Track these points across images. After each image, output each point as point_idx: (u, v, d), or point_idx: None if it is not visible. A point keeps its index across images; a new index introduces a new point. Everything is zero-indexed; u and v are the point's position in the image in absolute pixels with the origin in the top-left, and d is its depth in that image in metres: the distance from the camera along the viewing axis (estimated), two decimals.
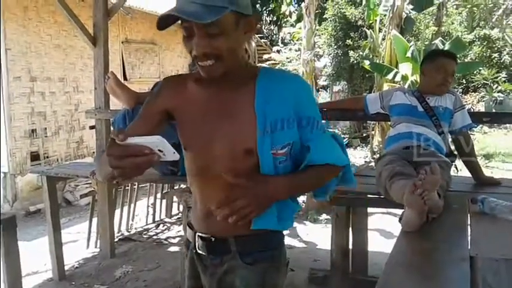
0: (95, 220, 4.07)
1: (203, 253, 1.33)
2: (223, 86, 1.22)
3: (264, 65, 11.06)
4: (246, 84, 1.23)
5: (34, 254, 3.89)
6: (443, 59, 2.53)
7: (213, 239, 1.29)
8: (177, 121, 1.29)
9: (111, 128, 3.40)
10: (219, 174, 1.21)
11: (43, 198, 3.52)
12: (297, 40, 11.70)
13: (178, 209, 5.06)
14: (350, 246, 2.78)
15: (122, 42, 7.33)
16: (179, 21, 1.08)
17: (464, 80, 13.74)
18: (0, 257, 2.58)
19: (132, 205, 4.67)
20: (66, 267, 3.55)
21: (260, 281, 1.27)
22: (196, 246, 1.34)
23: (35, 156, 5.84)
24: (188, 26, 1.10)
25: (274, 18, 18.00)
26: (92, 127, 3.91)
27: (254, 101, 1.20)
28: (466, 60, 12.39)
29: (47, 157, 6.00)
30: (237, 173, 1.20)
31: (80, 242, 4.29)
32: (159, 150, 0.91)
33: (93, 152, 5.96)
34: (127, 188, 4.67)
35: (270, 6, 17.12)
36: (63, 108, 6.25)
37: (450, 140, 2.53)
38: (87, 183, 5.88)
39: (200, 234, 1.32)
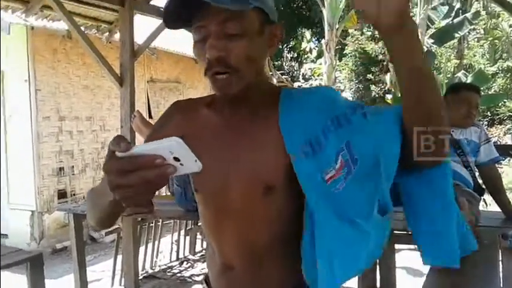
0: (119, 257, 4.08)
1: None
2: (240, 110, 0.98)
3: None
4: (267, 106, 0.98)
5: None
6: (466, 92, 2.52)
7: None
8: None
9: None
10: (239, 220, 0.98)
11: (69, 235, 3.56)
12: (318, 75, 11.82)
13: (202, 246, 5.05)
14: (378, 284, 2.72)
15: (147, 82, 7.53)
16: (189, 25, 0.91)
17: (489, 113, 13.55)
18: None
19: (156, 242, 4.68)
20: None
21: None
22: None
23: (62, 194, 5.94)
24: (203, 25, 0.89)
25: (295, 55, 18.26)
26: None
27: (278, 123, 0.95)
28: (489, 92, 12.27)
29: (74, 195, 6.10)
30: (256, 223, 0.97)
31: (105, 280, 4.29)
32: (175, 159, 0.65)
33: None
34: (151, 225, 4.69)
35: (291, 43, 17.42)
36: (90, 146, 6.40)
37: (477, 173, 2.49)
38: None
39: None
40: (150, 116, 7.40)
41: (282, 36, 0.98)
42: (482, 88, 8.85)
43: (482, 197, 2.40)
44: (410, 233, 2.11)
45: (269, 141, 0.95)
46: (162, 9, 0.91)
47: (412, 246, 4.54)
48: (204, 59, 0.90)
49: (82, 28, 3.81)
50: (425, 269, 1.69)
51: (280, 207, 0.96)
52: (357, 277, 2.65)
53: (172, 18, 0.90)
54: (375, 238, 0.92)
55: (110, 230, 5.82)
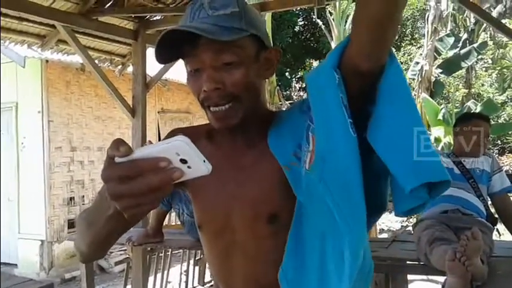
0: (128, 287, 4.05)
1: None
2: (237, 140, 0.95)
3: None
4: (261, 133, 0.94)
5: None
6: (477, 121, 2.53)
7: None
8: (189, 190, 1.01)
9: None
10: (245, 256, 0.94)
11: (79, 265, 3.56)
12: None
13: (211, 276, 4.98)
14: None
15: (158, 112, 7.63)
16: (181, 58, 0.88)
17: (499, 141, 13.48)
18: None
19: (165, 272, 4.64)
20: None
21: None
22: None
23: (71, 224, 5.95)
24: (196, 57, 0.86)
25: (303, 85, 18.41)
26: None
27: (268, 146, 0.91)
28: (499, 121, 12.24)
29: None
30: (264, 260, 0.93)
31: None
32: (182, 161, 0.57)
33: None
34: (160, 254, 4.66)
35: (299, 73, 17.60)
36: None
37: (489, 203, 2.47)
38: (121, 250, 5.91)
39: None
40: None
41: (278, 60, 0.94)
42: (491, 117, 8.84)
43: (495, 227, 2.37)
44: (422, 263, 2.10)
45: (266, 168, 0.91)
46: None
47: (425, 277, 4.47)
48: (199, 91, 0.87)
49: (96, 61, 3.90)
50: None
51: (286, 236, 0.90)
52: None
53: (163, 54, 0.88)
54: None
55: (119, 260, 5.81)
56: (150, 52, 4.08)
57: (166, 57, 0.89)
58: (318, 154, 0.81)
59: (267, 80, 0.99)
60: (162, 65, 3.94)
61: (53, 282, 2.77)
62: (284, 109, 1.08)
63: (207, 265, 4.79)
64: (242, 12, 0.86)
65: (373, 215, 0.82)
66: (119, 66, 4.41)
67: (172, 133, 1.02)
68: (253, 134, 0.94)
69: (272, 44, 0.98)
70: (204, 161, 0.58)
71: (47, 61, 5.59)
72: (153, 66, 4.22)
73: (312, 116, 0.84)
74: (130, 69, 4.13)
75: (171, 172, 0.55)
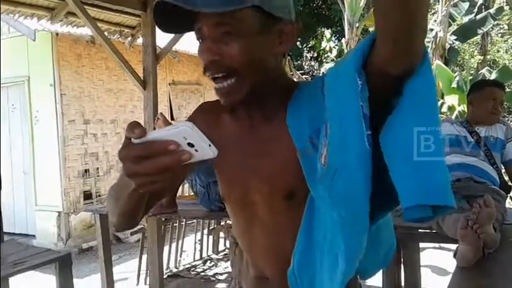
0: (144, 257, 4.14)
1: None
2: (255, 115, 0.93)
3: None
4: (280, 106, 0.91)
5: None
6: (491, 88, 2.49)
7: None
8: (214, 164, 1.00)
9: None
10: (266, 229, 0.95)
11: (96, 235, 3.63)
12: None
13: (225, 245, 5.08)
14: (402, 283, 2.70)
15: (169, 84, 7.62)
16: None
17: None
18: None
19: (180, 241, 4.73)
20: None
21: None
22: None
23: (87, 195, 6.06)
24: (198, 28, 0.84)
25: (315, 55, 18.19)
26: None
27: (287, 124, 0.89)
28: None
29: (99, 196, 6.21)
30: (282, 234, 0.93)
31: (130, 279, 4.36)
32: (189, 145, 0.62)
33: None
34: (175, 224, 4.74)
35: (310, 42, 17.36)
36: (115, 148, 6.50)
37: (503, 170, 2.45)
38: None
39: None
40: (172, 118, 7.48)
41: (295, 35, 0.89)
42: (507, 84, 8.66)
43: (508, 195, 2.36)
44: (434, 231, 2.10)
45: (283, 143, 0.88)
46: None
47: (436, 245, 4.50)
48: (203, 64, 0.86)
49: (105, 33, 3.88)
50: (450, 267, 1.68)
51: (299, 213, 0.89)
52: (381, 275, 2.64)
53: (169, 24, 0.86)
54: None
55: (134, 230, 5.92)
56: None
57: (174, 27, 0.88)
58: (332, 163, 0.77)
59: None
60: (171, 36, 3.92)
61: (70, 252, 2.84)
62: (306, 81, 1.03)
63: (220, 234, 4.88)
64: None
65: (386, 207, 0.81)
66: (129, 38, 4.39)
67: (201, 107, 1.04)
68: (272, 107, 0.91)
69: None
70: (210, 145, 0.63)
71: (57, 34, 5.58)
72: (163, 38, 4.19)
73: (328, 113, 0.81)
74: (140, 40, 4.11)
75: (180, 154, 0.60)
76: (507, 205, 2.25)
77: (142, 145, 0.61)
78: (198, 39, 0.87)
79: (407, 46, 0.68)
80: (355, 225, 0.76)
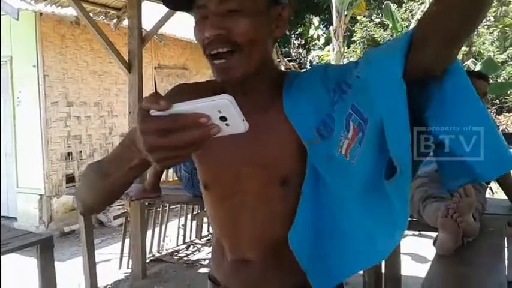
0: (127, 241, 4.13)
1: None
2: (247, 100, 0.86)
3: None
4: (273, 95, 0.93)
5: (68, 275, 3.97)
6: (474, 80, 2.51)
7: None
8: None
9: None
10: (256, 215, 0.95)
11: (78, 219, 3.61)
12: (326, 62, 11.76)
13: (208, 231, 5.09)
14: (383, 270, 2.74)
15: (155, 68, 7.53)
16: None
17: (497, 101, 13.46)
18: (38, 277, 2.65)
19: (163, 226, 4.73)
20: None
21: None
22: None
23: (70, 179, 6.00)
24: (203, 4, 0.84)
25: (303, 42, 18.16)
26: None
27: (284, 110, 0.91)
28: (498, 80, 12.17)
29: None
30: (272, 218, 0.95)
31: (112, 263, 4.35)
32: (221, 118, 0.59)
33: None
34: (158, 209, 4.73)
35: (298, 29, 17.30)
36: (98, 132, 6.43)
37: None
38: (119, 205, 5.99)
39: None
40: None
41: (287, 20, 0.91)
42: (491, 76, 8.76)
43: (488, 185, 2.40)
44: (415, 219, 2.13)
45: (279, 131, 0.91)
46: None
47: (416, 232, 4.58)
48: (203, 37, 0.84)
49: (90, 14, 3.81)
50: (430, 255, 1.71)
51: (297, 197, 0.92)
52: None
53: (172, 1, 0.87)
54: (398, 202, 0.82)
55: (117, 214, 5.90)
56: (146, 5, 3.99)
57: (174, 5, 0.89)
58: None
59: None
60: (157, 19, 3.87)
61: (52, 235, 2.82)
62: (296, 72, 1.03)
63: (204, 219, 4.88)
64: None
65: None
66: (114, 20, 4.33)
67: (178, 88, 1.00)
68: (264, 94, 0.93)
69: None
70: (243, 120, 0.60)
71: (40, 14, 5.46)
72: (149, 20, 4.13)
73: (356, 106, 0.83)
74: (125, 22, 4.05)
75: (210, 128, 0.57)
76: (487, 195, 2.29)
77: (169, 118, 0.57)
78: (197, 18, 0.86)
79: (460, 45, 0.74)
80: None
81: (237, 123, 0.60)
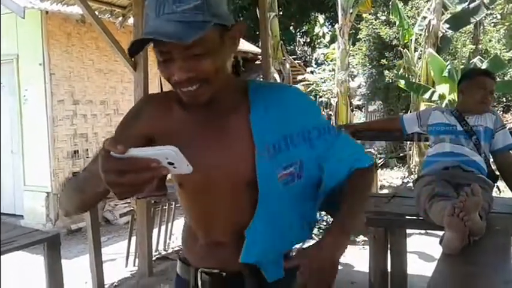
0: (133, 239, 4.15)
1: None
2: (213, 107, 1.02)
3: (297, 86, 11.12)
4: (237, 102, 1.05)
5: (75, 272, 3.99)
6: (481, 77, 2.50)
7: (224, 274, 1.10)
8: None
9: None
10: (226, 208, 1.07)
11: (84, 217, 3.63)
12: (331, 60, 11.71)
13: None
14: (389, 269, 2.73)
15: None
16: (151, 44, 0.92)
17: (504, 99, 13.36)
18: (45, 274, 2.66)
19: (169, 224, 4.74)
20: (105, 286, 3.62)
21: None
22: (198, 285, 1.13)
23: None
24: (165, 49, 0.93)
25: (308, 40, 18.11)
26: None
27: (250, 121, 1.03)
28: (505, 78, 12.08)
29: None
30: (241, 209, 1.05)
31: (119, 261, 4.37)
32: (169, 163, 0.73)
33: None
34: (164, 207, 4.74)
35: (304, 27, 17.26)
36: (104, 130, 6.46)
37: (491, 160, 2.48)
38: (126, 203, 6.02)
39: (205, 269, 1.12)
40: None
41: (242, 33, 1.01)
42: (498, 74, 8.69)
43: (495, 184, 2.39)
44: (421, 218, 2.13)
45: (243, 137, 1.02)
46: None
47: (423, 231, 4.56)
48: (170, 76, 0.95)
49: (96, 13, 3.82)
50: (437, 253, 1.70)
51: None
52: (368, 261, 2.67)
53: (134, 50, 0.93)
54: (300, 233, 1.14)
55: (124, 212, 5.92)
56: None
57: (136, 50, 0.94)
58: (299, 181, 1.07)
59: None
60: None
61: (59, 233, 2.84)
62: (258, 82, 1.16)
63: None
64: (204, 4, 0.90)
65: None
66: (120, 18, 4.34)
67: (147, 98, 1.17)
68: (226, 102, 1.04)
69: None
70: (188, 165, 0.75)
71: (46, 12, 5.49)
72: None
73: (303, 163, 1.07)
74: (131, 21, 4.06)
75: (160, 170, 0.72)
76: (494, 194, 2.27)
77: (126, 160, 0.71)
78: (161, 59, 0.95)
79: None
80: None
81: (182, 167, 0.74)
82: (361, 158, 1.14)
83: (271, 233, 1.06)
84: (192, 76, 0.93)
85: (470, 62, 8.51)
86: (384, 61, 10.55)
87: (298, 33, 18.02)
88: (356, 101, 12.71)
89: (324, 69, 12.28)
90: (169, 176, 0.93)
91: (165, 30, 0.87)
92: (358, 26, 11.80)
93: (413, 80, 8.82)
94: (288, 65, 8.76)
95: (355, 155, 1.14)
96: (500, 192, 2.52)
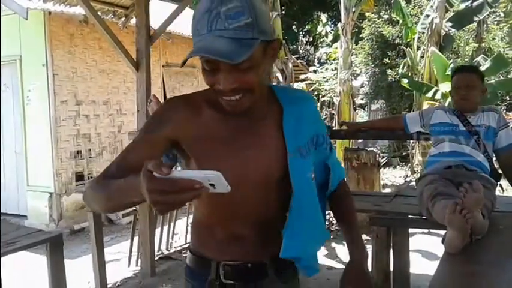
0: (136, 239, 4.16)
1: (233, 282, 1.16)
2: (248, 111, 1.08)
3: (301, 84, 11.11)
4: (268, 107, 1.13)
5: (78, 272, 4.00)
6: (456, 76, 2.50)
7: (249, 265, 1.15)
8: (190, 153, 1.12)
9: None
10: (254, 203, 1.13)
11: (87, 217, 3.63)
12: (334, 60, 11.70)
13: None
14: (391, 268, 2.73)
15: (163, 66, 7.56)
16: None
17: (508, 97, 13.30)
18: (48, 274, 2.67)
19: (172, 224, 4.74)
20: (108, 285, 3.62)
21: None
22: (221, 277, 1.16)
23: (79, 177, 6.05)
24: (214, 62, 0.98)
25: (310, 39, 18.09)
26: None
27: (282, 124, 1.12)
28: (509, 76, 12.02)
29: (91, 177, 6.20)
30: (268, 203, 1.14)
31: (122, 260, 4.38)
32: (210, 184, 0.78)
33: None
34: None
35: (306, 27, 17.25)
36: (107, 130, 6.47)
37: (494, 159, 2.46)
38: None
39: (230, 262, 1.16)
40: None
41: (280, 47, 1.09)
42: (501, 72, 8.65)
43: (498, 182, 2.38)
44: (424, 217, 2.12)
45: (275, 139, 1.11)
46: None
47: (426, 230, 4.55)
48: (214, 84, 1.00)
49: (99, 13, 3.83)
50: (440, 252, 1.69)
51: (286, 189, 1.11)
52: (370, 260, 2.66)
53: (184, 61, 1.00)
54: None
55: (127, 212, 5.92)
56: (154, 3, 4.00)
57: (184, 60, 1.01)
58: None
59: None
60: (165, 17, 3.87)
61: (62, 233, 2.84)
62: (278, 86, 1.24)
63: None
64: (254, 21, 0.95)
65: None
66: (122, 18, 4.35)
67: (172, 103, 1.15)
68: (260, 108, 1.10)
69: None
70: (227, 186, 0.78)
71: (49, 13, 5.50)
72: (157, 18, 4.14)
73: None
74: (133, 21, 4.07)
75: (201, 191, 0.76)
76: (497, 193, 2.26)
77: (169, 181, 0.75)
78: (207, 68, 1.01)
79: None
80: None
81: (222, 187, 0.79)
82: (342, 168, 1.35)
83: (306, 227, 1.14)
84: (236, 87, 0.98)
85: (474, 60, 8.49)
86: (386, 60, 10.53)
87: (301, 33, 18.01)
88: (359, 100, 12.68)
89: (326, 69, 12.27)
90: None
91: (217, 47, 0.93)
92: (361, 24, 11.77)
93: (416, 79, 8.80)
94: (290, 64, 8.74)
95: (340, 165, 1.33)
96: (503, 191, 2.51)
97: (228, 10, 0.94)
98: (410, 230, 3.08)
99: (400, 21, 9.37)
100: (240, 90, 0.99)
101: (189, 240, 4.86)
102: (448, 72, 7.33)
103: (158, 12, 4.56)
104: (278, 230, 1.13)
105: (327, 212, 1.33)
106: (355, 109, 11.01)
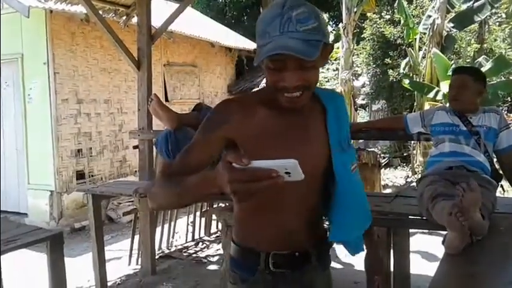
0: (136, 237, 4.16)
1: (282, 270, 1.27)
2: (298, 110, 1.20)
3: None
4: (313, 105, 1.25)
5: (78, 270, 4.01)
6: (453, 75, 2.51)
7: (297, 254, 1.28)
8: (245, 149, 1.20)
9: (154, 148, 3.50)
10: (302, 193, 1.22)
11: (88, 215, 3.64)
12: (335, 60, 11.69)
13: (217, 227, 5.11)
14: (391, 269, 2.73)
15: (164, 65, 7.56)
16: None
17: (509, 98, 13.29)
18: (48, 272, 2.67)
19: (173, 223, 4.75)
20: (108, 284, 3.63)
21: (331, 282, 1.42)
22: (270, 266, 1.26)
23: (80, 175, 6.05)
24: (283, 62, 1.08)
25: None
26: (135, 147, 4.03)
27: (325, 120, 1.26)
28: (510, 77, 12.00)
29: (92, 176, 6.21)
30: (313, 193, 1.27)
31: (122, 259, 4.38)
32: (286, 173, 0.83)
33: (136, 171, 6.12)
34: None
35: None
36: (108, 128, 6.47)
37: (495, 160, 2.46)
38: (129, 201, 6.03)
39: (279, 252, 1.26)
40: (167, 99, 7.45)
41: (333, 49, 1.22)
42: (503, 73, 8.64)
43: (499, 183, 2.37)
44: (424, 218, 2.12)
45: (320, 134, 1.25)
46: None
47: (426, 231, 4.54)
48: (278, 82, 1.11)
49: (100, 12, 3.83)
50: (440, 253, 1.69)
51: (327, 180, 1.28)
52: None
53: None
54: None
55: (127, 210, 5.93)
56: (155, 2, 4.00)
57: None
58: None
59: None
60: (167, 16, 3.88)
61: (62, 231, 2.84)
62: (326, 90, 1.39)
63: (212, 216, 4.90)
64: (319, 26, 1.08)
65: None
66: (124, 17, 4.35)
67: (226, 105, 1.23)
68: (307, 105, 1.21)
69: None
70: (301, 173, 0.84)
71: (51, 11, 5.50)
72: (158, 17, 4.14)
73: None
74: (135, 20, 4.07)
75: (278, 179, 0.82)
76: (498, 194, 2.26)
77: (248, 171, 0.83)
78: (271, 67, 1.10)
79: None
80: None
81: (297, 175, 0.84)
82: None
83: (350, 214, 1.29)
84: (300, 84, 1.10)
85: (475, 61, 8.47)
86: (388, 60, 10.51)
87: None
88: (360, 100, 12.67)
89: (327, 69, 12.26)
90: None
91: (292, 46, 1.04)
92: (363, 25, 11.75)
93: (418, 79, 8.79)
94: None
95: None
96: (504, 192, 2.50)
97: (298, 15, 1.06)
98: (411, 230, 3.08)
99: (402, 22, 9.36)
100: (302, 87, 1.11)
101: (189, 239, 4.88)
102: (449, 73, 7.33)
103: (159, 11, 4.56)
104: (319, 218, 1.31)
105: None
106: (356, 109, 11.01)
